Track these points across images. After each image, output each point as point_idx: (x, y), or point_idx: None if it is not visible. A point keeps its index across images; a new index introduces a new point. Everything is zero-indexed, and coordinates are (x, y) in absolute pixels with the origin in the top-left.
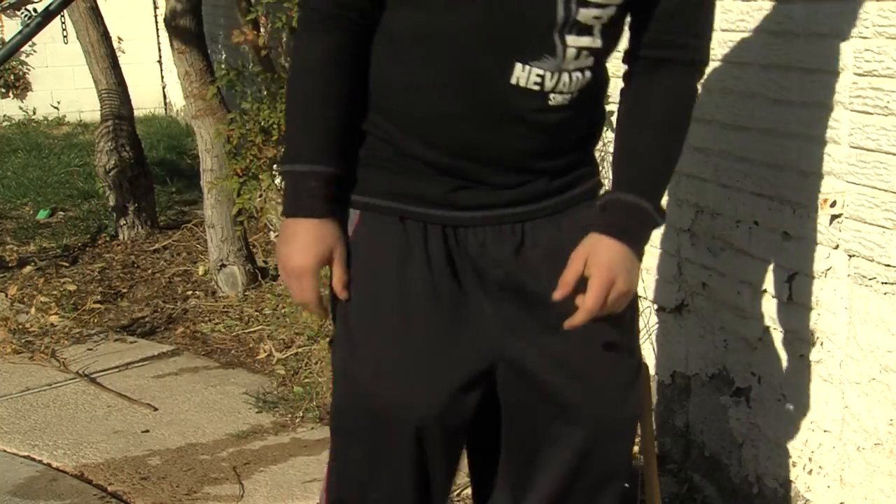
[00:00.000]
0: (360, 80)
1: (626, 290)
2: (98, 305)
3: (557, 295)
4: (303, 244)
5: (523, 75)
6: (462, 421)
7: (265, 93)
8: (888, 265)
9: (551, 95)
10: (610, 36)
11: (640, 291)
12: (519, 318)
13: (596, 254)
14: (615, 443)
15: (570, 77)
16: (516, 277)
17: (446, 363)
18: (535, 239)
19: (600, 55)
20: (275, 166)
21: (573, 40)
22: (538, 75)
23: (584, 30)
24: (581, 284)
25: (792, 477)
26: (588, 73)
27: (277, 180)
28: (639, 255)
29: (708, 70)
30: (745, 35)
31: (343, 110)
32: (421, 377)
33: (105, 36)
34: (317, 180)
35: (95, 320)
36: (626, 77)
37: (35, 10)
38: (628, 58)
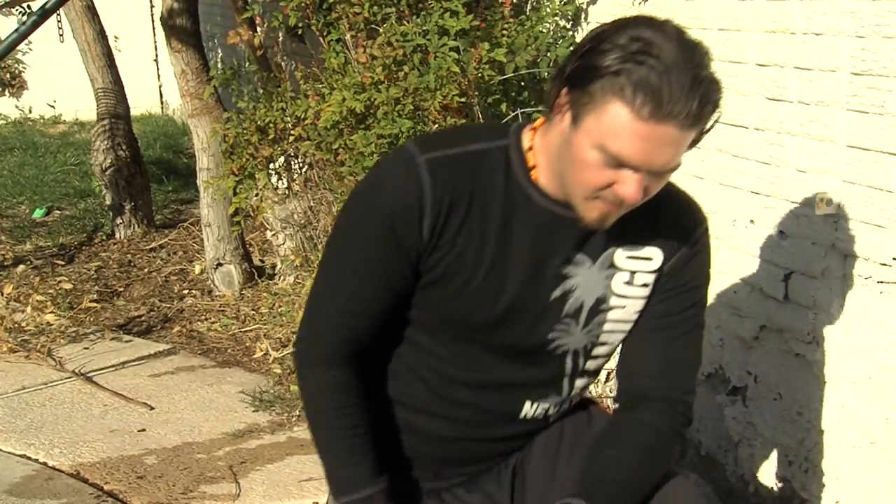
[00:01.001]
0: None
1: None
2: (94, 304)
3: None
4: None
5: (531, 410)
6: None
7: (262, 92)
8: (884, 264)
9: (550, 418)
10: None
11: None
12: None
13: None
14: None
15: (572, 401)
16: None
17: None
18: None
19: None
20: (271, 165)
21: (581, 382)
22: (544, 409)
23: (592, 373)
24: None
25: (788, 475)
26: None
27: (273, 179)
28: None
29: None
30: (742, 33)
31: (367, 420)
32: None
33: (101, 34)
34: (380, 497)
35: (91, 319)
36: (616, 403)
37: (31, 8)
38: (617, 394)
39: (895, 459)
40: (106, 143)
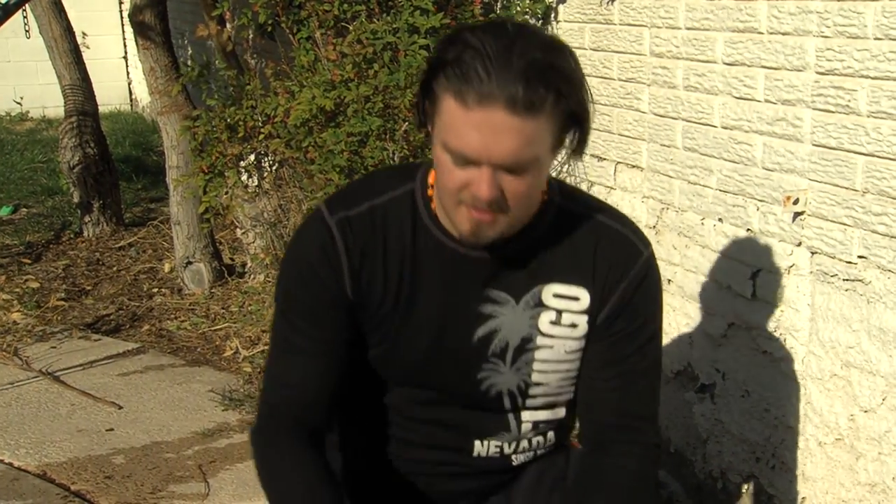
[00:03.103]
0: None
1: None
2: (62, 303)
3: None
4: None
5: (483, 450)
6: None
7: (231, 89)
8: (849, 262)
9: (513, 457)
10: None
11: None
12: None
13: None
14: None
15: (530, 443)
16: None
17: None
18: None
19: (563, 422)
20: (241, 163)
21: (530, 415)
22: (496, 446)
23: (544, 406)
24: None
25: (755, 472)
26: (550, 435)
27: (244, 177)
28: None
29: (673, 67)
30: (710, 33)
31: (334, 480)
32: None
33: (68, 31)
34: None
35: (59, 318)
36: (582, 446)
37: None
38: (581, 438)
39: (860, 456)
40: (74, 140)
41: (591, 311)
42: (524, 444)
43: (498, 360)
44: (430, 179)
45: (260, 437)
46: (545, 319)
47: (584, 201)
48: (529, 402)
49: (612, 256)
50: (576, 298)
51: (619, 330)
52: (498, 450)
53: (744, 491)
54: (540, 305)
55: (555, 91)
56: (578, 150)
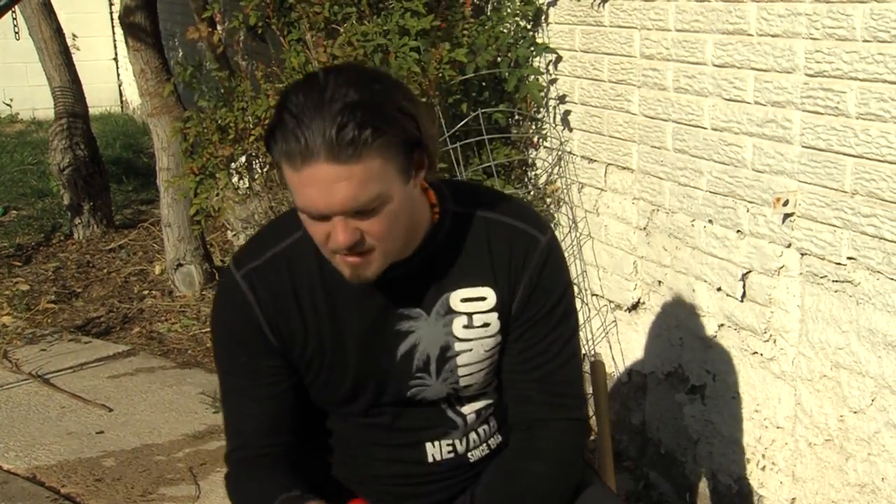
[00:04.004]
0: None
1: None
2: (52, 305)
3: None
4: None
5: (436, 451)
6: None
7: (222, 91)
8: (839, 263)
9: (469, 454)
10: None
11: (598, 290)
12: None
13: None
14: None
15: (478, 434)
16: None
17: None
18: None
19: (500, 404)
20: (232, 164)
21: (469, 408)
22: (448, 445)
23: (478, 396)
24: None
25: (746, 473)
26: (493, 422)
27: (235, 179)
28: None
29: (663, 69)
30: (700, 35)
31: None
32: None
33: (58, 32)
34: None
35: (49, 320)
36: (511, 426)
37: None
38: (511, 415)
39: (850, 456)
40: (64, 142)
41: (501, 307)
42: (473, 436)
43: (423, 373)
44: None
45: (228, 482)
46: (458, 325)
47: (478, 202)
48: (464, 397)
49: (509, 251)
50: (482, 298)
51: (533, 315)
52: (451, 449)
53: (734, 492)
54: (451, 312)
55: (371, 128)
56: (430, 168)
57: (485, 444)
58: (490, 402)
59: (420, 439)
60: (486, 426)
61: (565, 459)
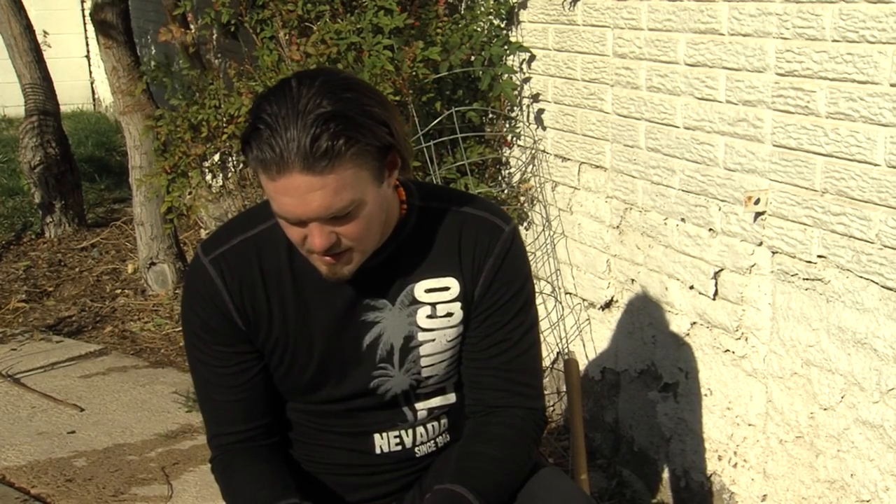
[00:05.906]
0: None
1: None
2: (23, 304)
3: None
4: None
5: (384, 442)
6: None
7: (194, 89)
8: (809, 262)
9: (416, 449)
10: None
11: (571, 288)
12: None
13: None
14: None
15: (427, 430)
16: None
17: None
18: None
19: (455, 406)
20: (205, 163)
21: (423, 404)
22: (396, 437)
23: (435, 392)
24: None
25: (718, 470)
26: (444, 420)
27: (207, 177)
28: None
29: (636, 68)
30: (672, 34)
31: (286, 475)
32: None
33: (28, 29)
34: None
35: (20, 320)
36: (469, 414)
37: None
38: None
39: (820, 453)
40: (35, 140)
41: (464, 297)
42: (421, 430)
43: (386, 364)
44: None
45: (214, 468)
46: (422, 315)
47: (443, 197)
48: (422, 391)
49: (475, 239)
50: (446, 288)
51: (493, 303)
52: (398, 441)
53: (706, 489)
54: (415, 303)
55: (344, 138)
56: (404, 168)
57: (432, 441)
58: (445, 402)
59: (369, 430)
60: (435, 423)
61: (519, 445)
